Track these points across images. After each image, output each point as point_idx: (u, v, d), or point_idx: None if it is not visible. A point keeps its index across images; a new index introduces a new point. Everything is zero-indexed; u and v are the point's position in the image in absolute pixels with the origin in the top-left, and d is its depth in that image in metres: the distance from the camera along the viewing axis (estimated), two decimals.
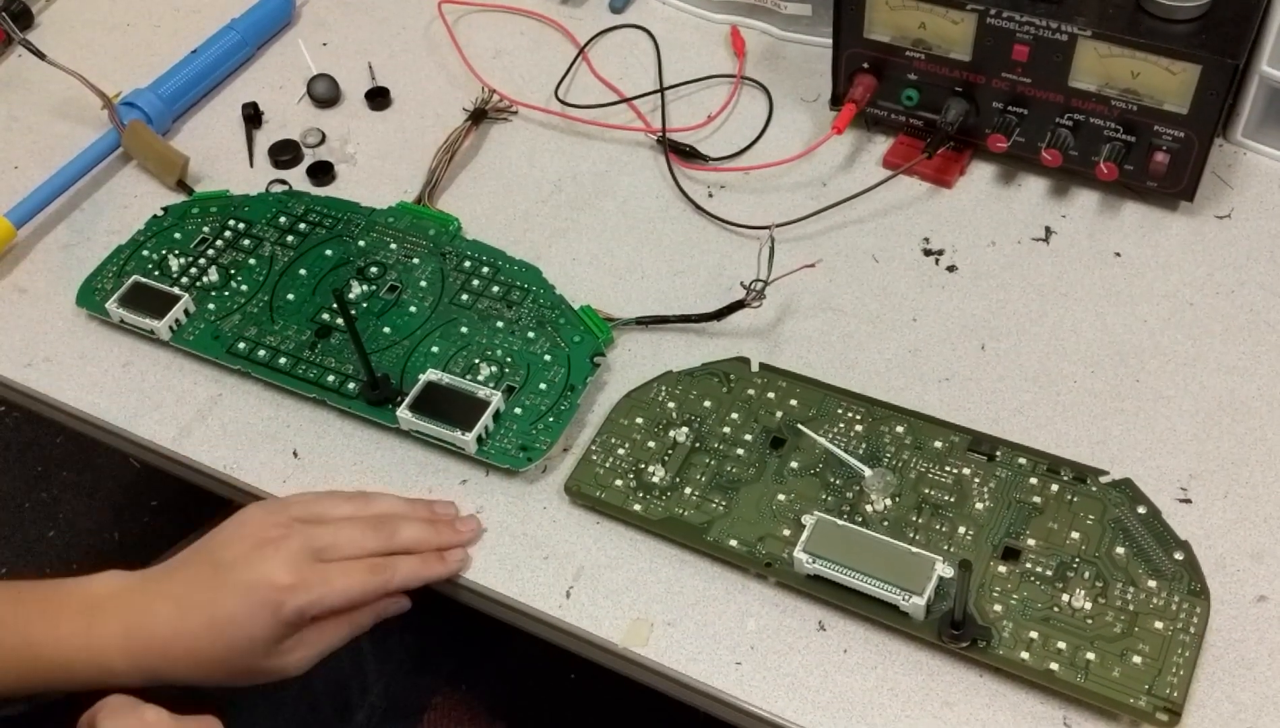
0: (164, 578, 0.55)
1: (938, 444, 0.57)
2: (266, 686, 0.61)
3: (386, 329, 0.65)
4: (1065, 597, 0.52)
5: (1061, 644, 0.50)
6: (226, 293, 0.67)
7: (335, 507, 0.57)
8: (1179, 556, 0.53)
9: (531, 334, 0.64)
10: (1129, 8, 0.63)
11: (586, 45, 0.81)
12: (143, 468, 1.34)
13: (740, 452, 0.58)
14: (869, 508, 0.56)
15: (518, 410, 0.60)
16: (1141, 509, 0.54)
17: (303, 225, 0.71)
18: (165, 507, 1.33)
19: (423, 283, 0.67)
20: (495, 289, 0.66)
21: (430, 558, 0.57)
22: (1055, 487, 0.55)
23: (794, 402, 0.60)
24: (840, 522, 0.54)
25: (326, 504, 0.57)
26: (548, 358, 0.62)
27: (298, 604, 0.53)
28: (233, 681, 0.55)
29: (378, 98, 0.79)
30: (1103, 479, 0.55)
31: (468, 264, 0.68)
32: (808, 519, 0.55)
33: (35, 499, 1.36)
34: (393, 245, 0.69)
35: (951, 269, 0.67)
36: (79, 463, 1.38)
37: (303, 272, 0.68)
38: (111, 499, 1.35)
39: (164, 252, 0.70)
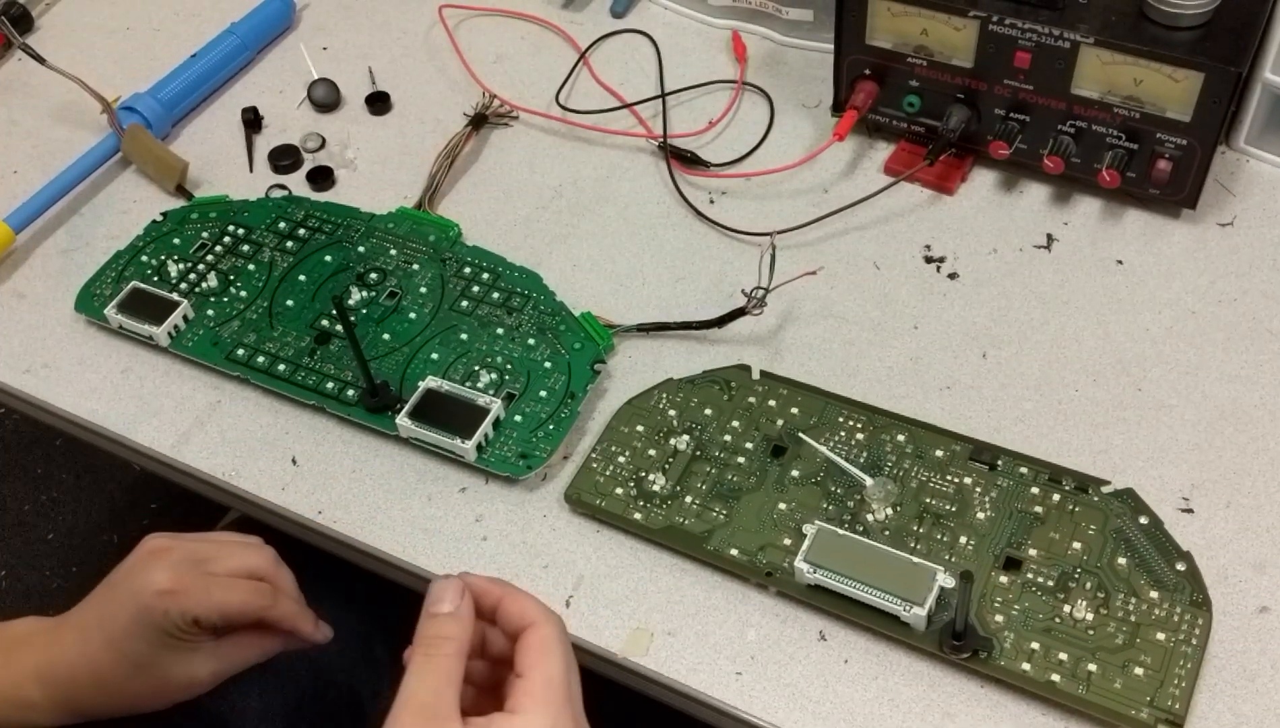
0: (74, 613, 0.55)
1: (939, 453, 0.57)
2: (280, 687, 0.62)
3: (386, 336, 0.65)
4: (1067, 608, 0.52)
5: (1063, 656, 0.50)
6: (226, 299, 0.67)
7: (229, 537, 0.57)
8: (1181, 566, 0.52)
9: (532, 341, 0.63)
10: (1131, 15, 0.63)
11: (587, 50, 0.81)
12: (143, 471, 1.34)
13: (741, 460, 0.58)
14: (870, 517, 0.55)
15: (518, 418, 0.60)
16: (1143, 519, 0.54)
17: (302, 231, 0.71)
18: (165, 509, 1.33)
19: (423, 289, 0.67)
20: (495, 295, 0.66)
21: (309, 614, 0.57)
22: (1057, 496, 0.55)
23: (795, 410, 0.60)
24: (841, 531, 0.54)
25: (223, 535, 0.58)
26: (548, 365, 0.62)
27: (181, 608, 0.52)
28: (141, 702, 0.55)
29: (378, 102, 0.79)
30: (1104, 489, 0.55)
31: (468, 270, 0.67)
32: (809, 528, 0.54)
33: (35, 501, 1.36)
34: (392, 251, 0.69)
35: (953, 276, 0.66)
36: (79, 465, 1.38)
37: (302, 277, 0.68)
38: (111, 502, 1.35)
39: (163, 257, 0.70)
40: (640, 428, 0.60)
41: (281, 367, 0.64)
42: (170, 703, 0.55)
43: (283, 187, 0.75)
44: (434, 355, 0.63)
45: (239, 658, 0.56)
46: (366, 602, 0.71)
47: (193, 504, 0.67)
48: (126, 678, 0.54)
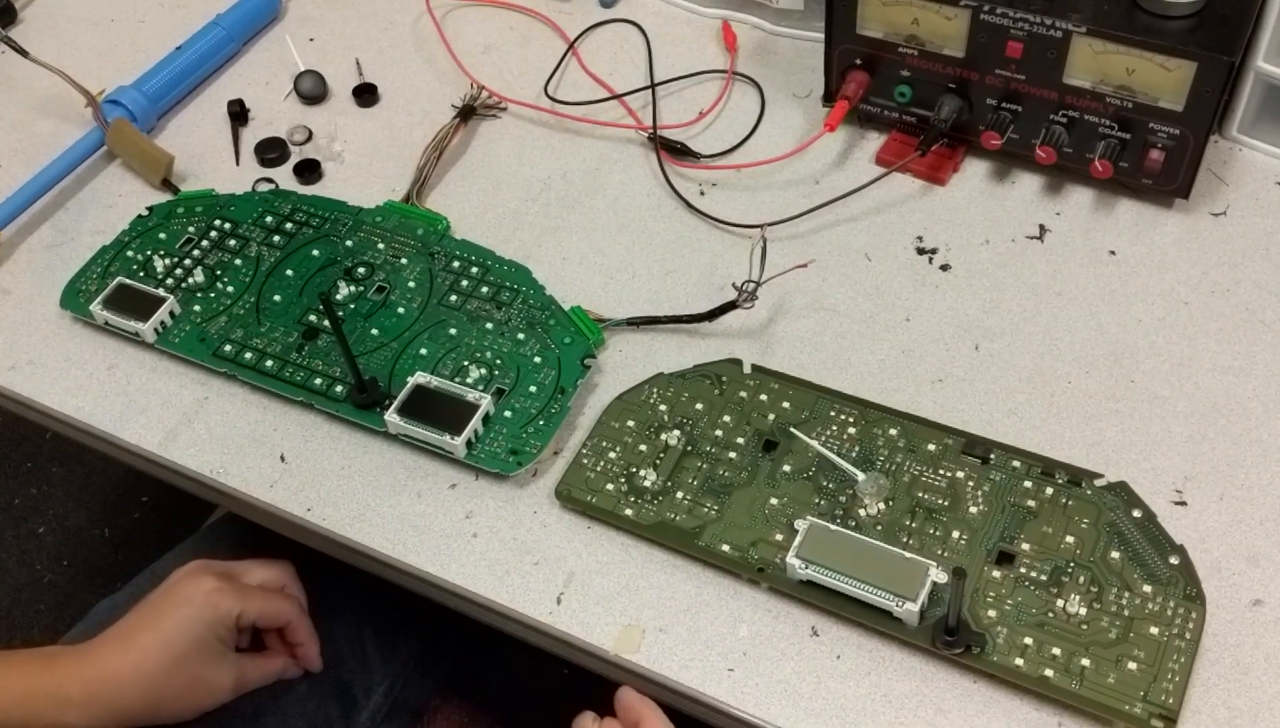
0: (108, 632, 0.60)
1: (931, 447, 0.57)
2: (272, 685, 0.63)
3: (374, 331, 0.64)
4: (1060, 602, 0.51)
5: (1056, 650, 0.50)
6: (212, 294, 0.67)
7: (253, 561, 0.66)
8: (1174, 560, 0.52)
9: (521, 336, 0.63)
10: (1124, 4, 0.63)
11: (576, 40, 0.80)
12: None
13: (732, 455, 0.58)
14: (862, 512, 0.55)
15: (507, 414, 0.60)
16: (1136, 513, 0.54)
17: (289, 225, 0.70)
18: (156, 503, 1.33)
19: (411, 283, 0.66)
20: (485, 290, 0.65)
21: (316, 638, 0.66)
22: (1050, 490, 0.55)
23: (786, 404, 0.59)
24: (833, 527, 0.54)
25: (248, 561, 0.66)
26: (538, 360, 0.62)
27: (228, 606, 0.60)
28: (178, 699, 0.60)
29: (365, 94, 0.79)
30: (1097, 482, 0.55)
31: (456, 264, 0.67)
32: (800, 524, 0.54)
33: (25, 495, 1.35)
34: (380, 245, 0.68)
35: (945, 268, 0.66)
36: (69, 459, 1.37)
37: (289, 272, 0.67)
38: (102, 495, 1.35)
39: (149, 252, 0.69)
40: (631, 423, 0.59)
41: (269, 363, 0.63)
42: (195, 710, 0.61)
43: (269, 180, 0.74)
44: (423, 351, 0.63)
45: (254, 674, 0.63)
46: (358, 598, 0.70)
47: (184, 498, 0.66)
48: (168, 674, 0.59)
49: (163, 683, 0.59)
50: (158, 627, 0.60)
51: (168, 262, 0.68)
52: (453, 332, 0.64)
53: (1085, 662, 0.50)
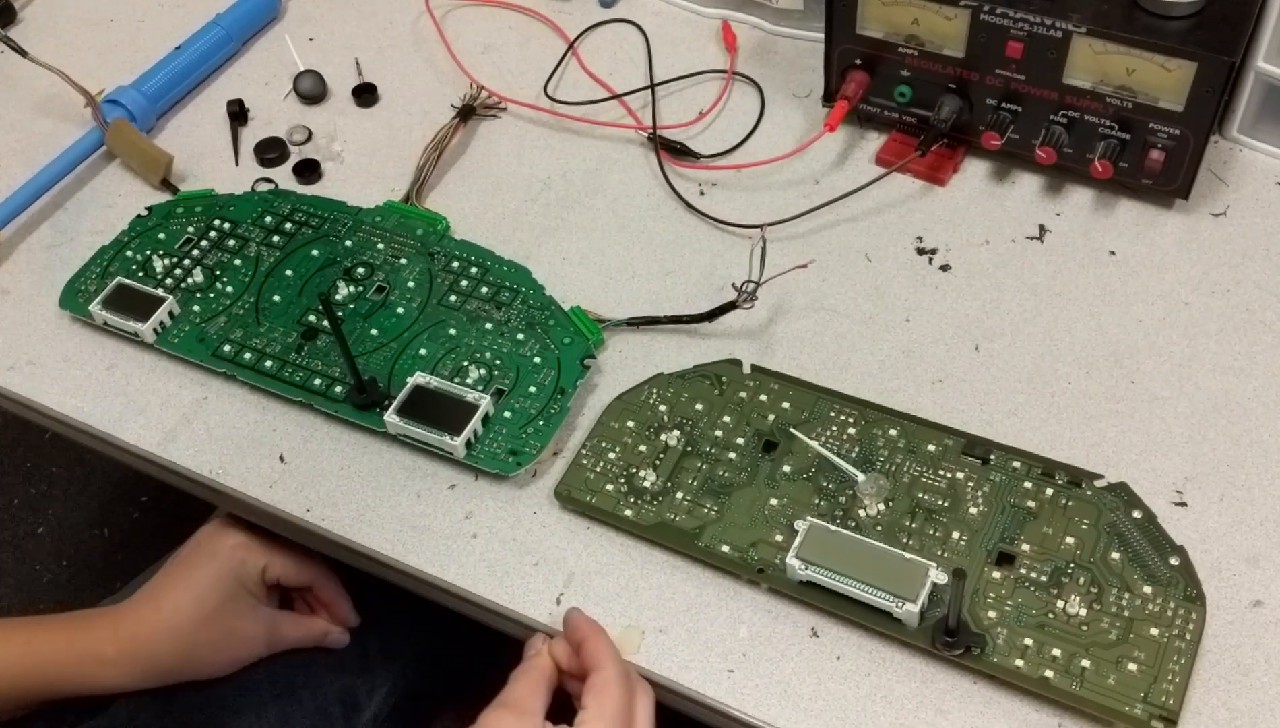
0: (139, 593, 0.62)
1: (931, 448, 0.57)
2: (274, 686, 0.63)
3: (374, 331, 0.64)
4: (1060, 603, 0.51)
5: (1056, 652, 0.50)
6: (212, 294, 0.67)
7: None
8: (1174, 561, 0.52)
9: (521, 336, 0.63)
10: (1124, 4, 0.63)
11: (576, 40, 0.80)
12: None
13: (732, 455, 0.58)
14: (862, 513, 0.55)
15: (507, 414, 0.60)
16: (1137, 514, 0.54)
17: (289, 225, 0.70)
18: (156, 503, 1.33)
19: (410, 283, 0.66)
20: (484, 290, 0.65)
21: (347, 603, 0.68)
22: (1050, 491, 0.55)
23: (786, 404, 0.59)
24: (833, 527, 0.54)
25: None
26: (537, 360, 0.62)
27: (255, 558, 0.62)
28: (212, 653, 0.62)
29: (365, 94, 0.78)
30: (1098, 483, 0.55)
31: (456, 264, 0.67)
32: (800, 525, 0.54)
33: (25, 495, 1.35)
34: (380, 245, 0.68)
35: (945, 268, 0.66)
36: (69, 459, 1.37)
37: (289, 272, 0.67)
38: (102, 495, 1.34)
39: (148, 252, 0.69)
40: (630, 424, 0.59)
41: (268, 363, 0.63)
42: (231, 663, 0.62)
43: (269, 180, 0.74)
44: (422, 351, 0.63)
45: (291, 632, 0.65)
46: (358, 599, 0.70)
47: (183, 498, 0.66)
48: (199, 628, 0.61)
49: (196, 637, 0.60)
50: (187, 582, 0.61)
51: (167, 262, 0.68)
52: (452, 332, 0.64)
53: (1085, 663, 0.50)
